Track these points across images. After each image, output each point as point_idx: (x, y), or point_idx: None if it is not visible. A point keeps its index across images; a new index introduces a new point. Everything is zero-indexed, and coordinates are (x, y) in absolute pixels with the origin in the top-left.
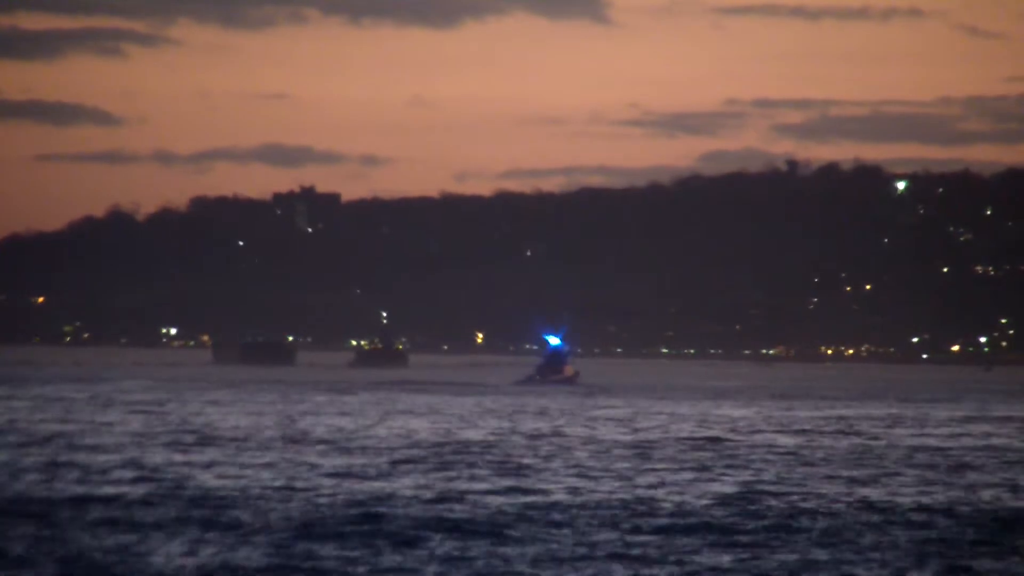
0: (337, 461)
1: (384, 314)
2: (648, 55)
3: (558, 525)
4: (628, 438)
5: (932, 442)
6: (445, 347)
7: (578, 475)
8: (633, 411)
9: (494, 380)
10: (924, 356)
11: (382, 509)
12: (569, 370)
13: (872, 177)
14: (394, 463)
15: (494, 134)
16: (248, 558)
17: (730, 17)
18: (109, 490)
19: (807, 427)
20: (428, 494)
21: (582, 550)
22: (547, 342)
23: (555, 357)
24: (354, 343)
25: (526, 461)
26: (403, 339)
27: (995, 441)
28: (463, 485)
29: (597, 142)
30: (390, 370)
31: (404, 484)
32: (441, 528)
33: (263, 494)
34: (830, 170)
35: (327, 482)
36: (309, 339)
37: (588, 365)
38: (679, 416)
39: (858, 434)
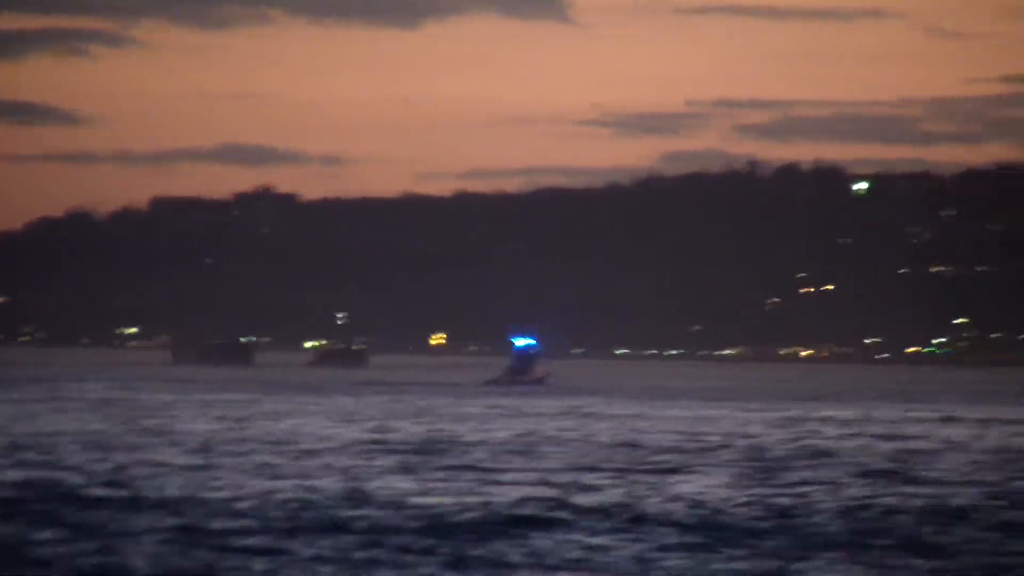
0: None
1: (339, 315)
2: (610, 55)
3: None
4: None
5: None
6: (411, 347)
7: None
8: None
9: (463, 380)
10: (879, 357)
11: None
12: (540, 371)
13: (832, 178)
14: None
15: (455, 134)
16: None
17: (692, 18)
18: None
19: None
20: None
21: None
22: (516, 344)
23: (524, 358)
24: (313, 344)
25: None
26: (363, 340)
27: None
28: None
29: (558, 142)
30: (350, 371)
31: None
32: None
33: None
34: (791, 170)
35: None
36: (268, 339)
37: (562, 367)
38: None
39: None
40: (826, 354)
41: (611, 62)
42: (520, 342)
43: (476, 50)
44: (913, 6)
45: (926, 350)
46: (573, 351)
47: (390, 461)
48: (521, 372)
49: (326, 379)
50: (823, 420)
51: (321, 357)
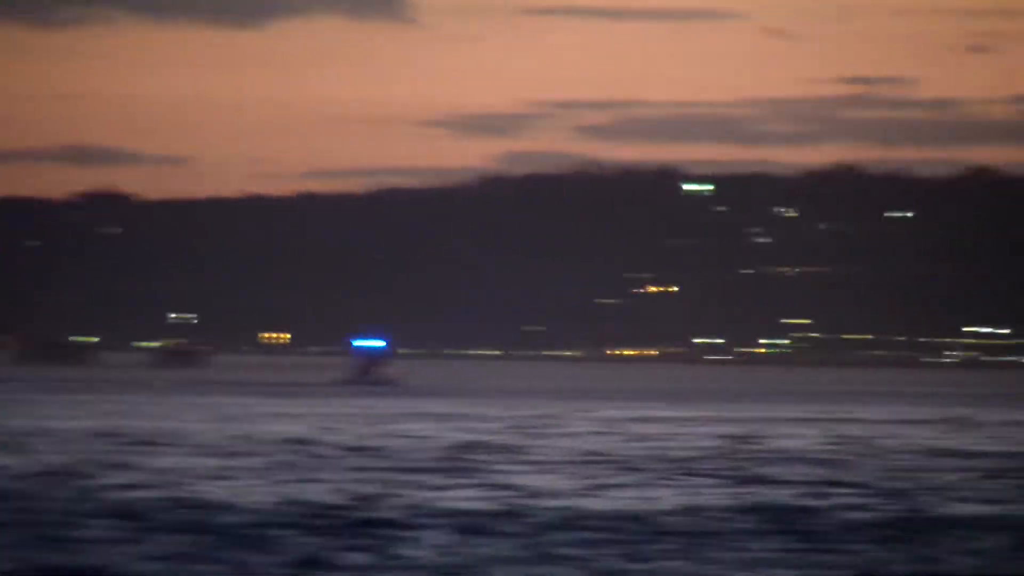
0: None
1: (178, 315)
2: (452, 56)
3: None
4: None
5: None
6: (248, 347)
7: None
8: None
9: (312, 381)
10: (718, 358)
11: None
12: (389, 373)
13: (671, 178)
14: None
15: (297, 134)
16: None
17: (532, 18)
18: None
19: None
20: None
21: None
22: (364, 344)
23: (373, 359)
24: (152, 344)
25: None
26: (201, 340)
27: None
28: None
29: (401, 143)
30: (191, 370)
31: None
32: None
33: None
34: (630, 171)
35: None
36: (98, 339)
37: (409, 367)
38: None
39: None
40: (657, 353)
41: (453, 63)
42: (368, 343)
43: (319, 50)
44: (751, 7)
45: (761, 350)
46: (415, 351)
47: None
48: (370, 373)
49: (164, 378)
50: (642, 419)
51: (162, 357)
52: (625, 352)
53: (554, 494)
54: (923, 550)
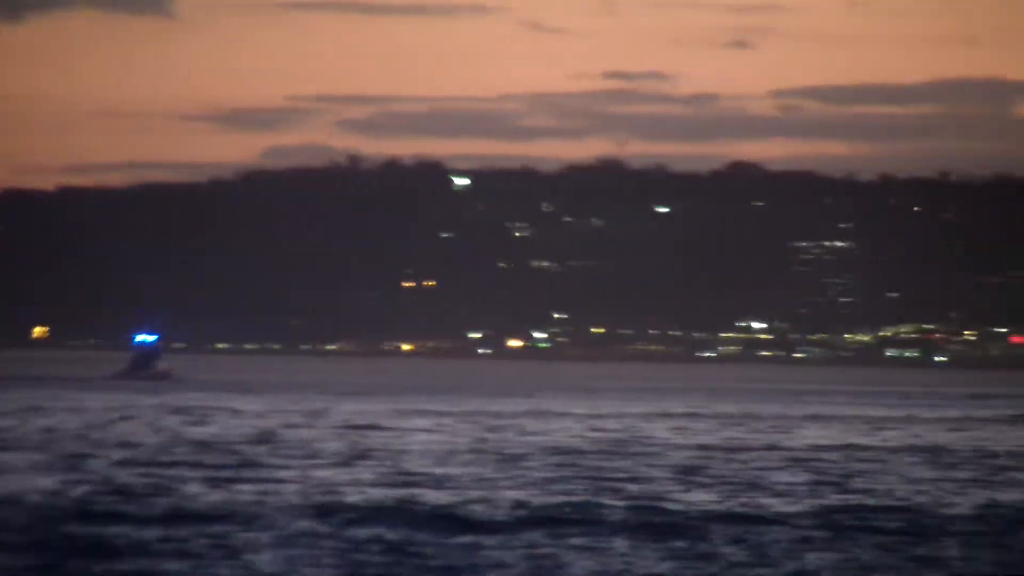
0: None
1: None
2: (212, 50)
3: None
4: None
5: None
6: (7, 340)
7: None
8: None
9: (87, 374)
10: (483, 351)
11: None
12: (162, 367)
13: (434, 172)
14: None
15: (56, 129)
16: None
17: (293, 12)
18: None
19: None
20: None
21: None
22: (140, 338)
23: (145, 353)
24: None
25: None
26: None
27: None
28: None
29: (161, 137)
30: None
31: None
32: None
33: None
34: (392, 165)
35: None
36: None
37: (177, 361)
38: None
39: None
40: (420, 348)
41: (213, 57)
42: (144, 337)
43: (78, 44)
44: (515, 3)
45: (525, 344)
46: (175, 345)
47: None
48: (143, 367)
49: None
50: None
51: None
52: (403, 347)
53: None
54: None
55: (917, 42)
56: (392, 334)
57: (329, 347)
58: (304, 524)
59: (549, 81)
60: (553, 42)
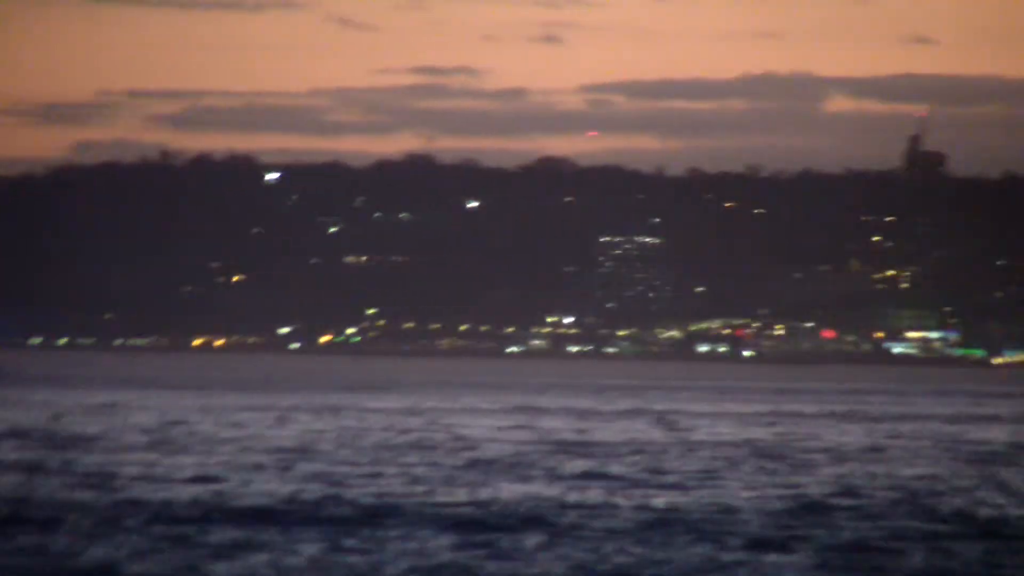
0: None
1: None
2: (21, 43)
3: None
4: None
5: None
6: None
7: None
8: None
9: None
10: (294, 346)
11: None
12: None
13: (245, 167)
14: None
15: None
16: None
17: (102, 6)
18: None
19: None
20: None
21: None
22: None
23: None
24: None
25: None
26: None
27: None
28: None
29: None
30: None
31: None
32: None
33: None
34: (204, 160)
35: None
36: None
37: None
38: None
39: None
40: (231, 343)
41: (22, 51)
42: None
43: None
44: None
45: (338, 339)
46: None
47: None
48: None
49: None
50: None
51: None
52: (216, 343)
53: None
54: None
55: (725, 37)
56: (203, 330)
57: (138, 342)
58: None
59: (357, 76)
60: (360, 38)
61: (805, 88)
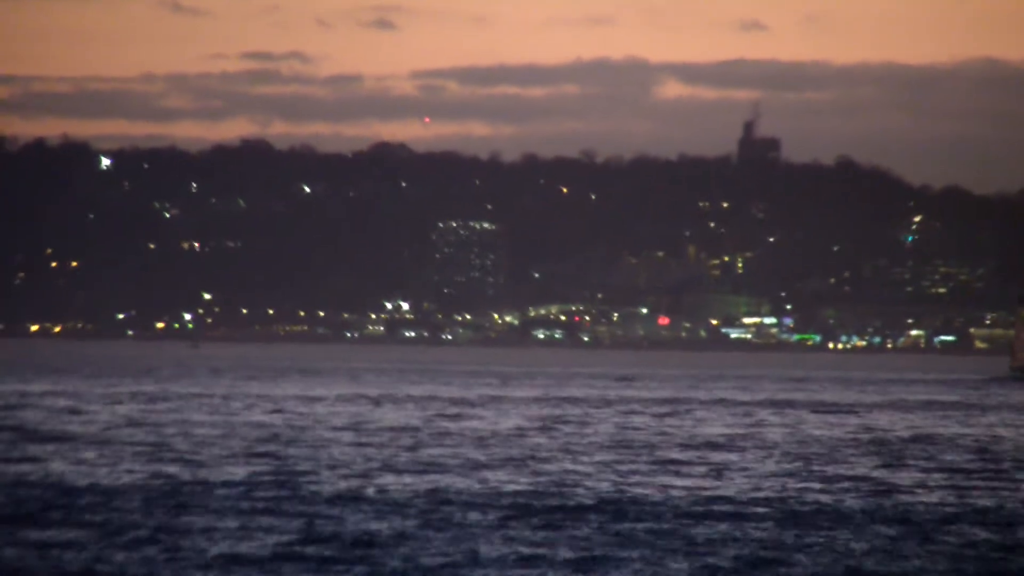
0: None
1: None
2: None
3: None
4: None
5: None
6: None
7: None
8: None
9: None
10: (130, 332)
11: None
12: None
13: (79, 153)
14: None
15: None
16: None
17: None
18: None
19: None
20: None
21: None
22: None
23: None
24: None
25: None
26: None
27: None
28: None
29: None
30: None
31: None
32: None
33: None
34: (38, 146)
35: None
36: None
37: None
38: None
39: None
40: (67, 329)
41: None
42: None
43: None
44: None
45: (176, 325)
46: None
47: None
48: None
49: None
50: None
51: None
52: (56, 328)
53: None
54: None
55: (557, 23)
56: (38, 316)
57: None
58: None
59: (188, 62)
60: (193, 23)
61: (638, 74)
